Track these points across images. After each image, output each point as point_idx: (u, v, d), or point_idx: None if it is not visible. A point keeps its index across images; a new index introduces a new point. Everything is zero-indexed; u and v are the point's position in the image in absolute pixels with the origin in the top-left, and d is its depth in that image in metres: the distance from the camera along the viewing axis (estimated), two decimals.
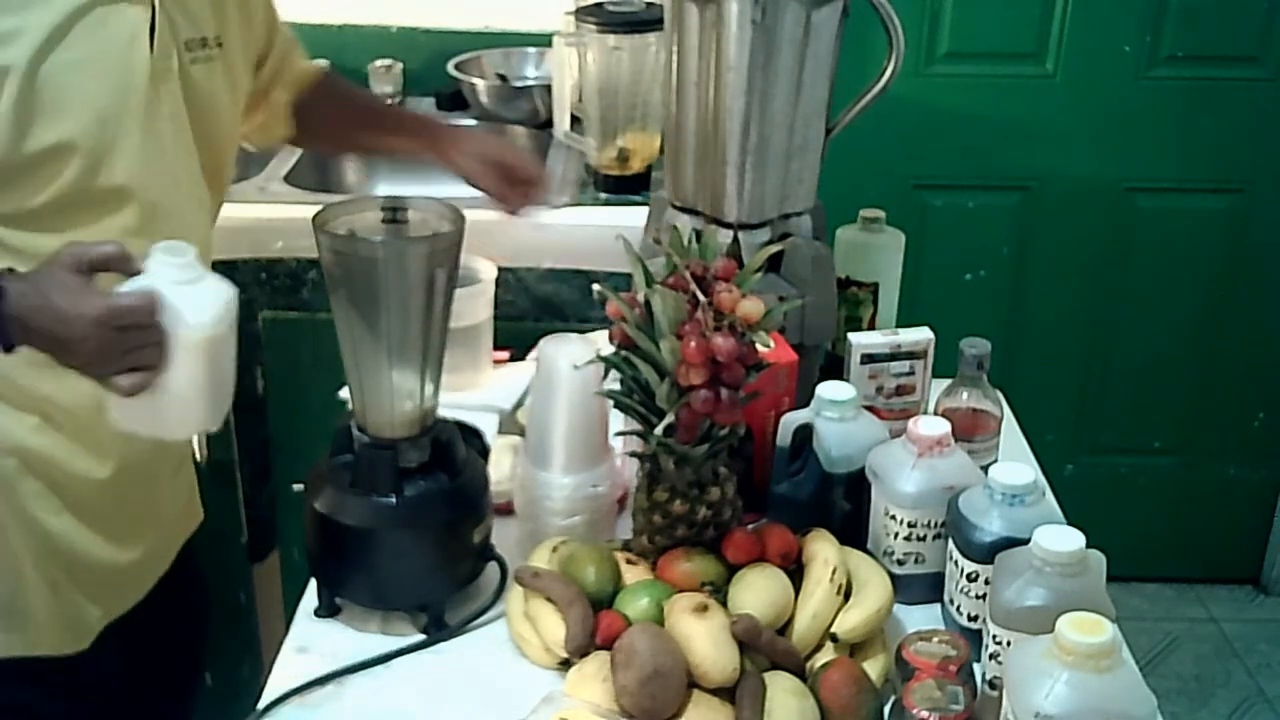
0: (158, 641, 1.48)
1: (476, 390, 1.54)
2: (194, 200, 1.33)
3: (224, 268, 1.91)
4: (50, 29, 1.15)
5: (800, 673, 1.12)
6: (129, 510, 1.36)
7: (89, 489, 1.31)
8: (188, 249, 1.10)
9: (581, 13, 2.00)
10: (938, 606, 1.25)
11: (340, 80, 1.71)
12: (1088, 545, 1.07)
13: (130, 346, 1.07)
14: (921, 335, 1.43)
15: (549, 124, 2.18)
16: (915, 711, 1.04)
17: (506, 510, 1.35)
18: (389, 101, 2.35)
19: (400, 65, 2.39)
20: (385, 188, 2.35)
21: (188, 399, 1.11)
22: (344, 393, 1.37)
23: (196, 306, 1.09)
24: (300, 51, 1.59)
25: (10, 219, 1.19)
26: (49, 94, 1.15)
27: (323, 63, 1.66)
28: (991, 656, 1.10)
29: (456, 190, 2.28)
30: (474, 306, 1.51)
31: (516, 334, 1.71)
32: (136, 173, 1.22)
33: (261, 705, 1.14)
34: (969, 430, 1.38)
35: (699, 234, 1.18)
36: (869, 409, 1.37)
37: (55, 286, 1.07)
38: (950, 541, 1.20)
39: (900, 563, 1.25)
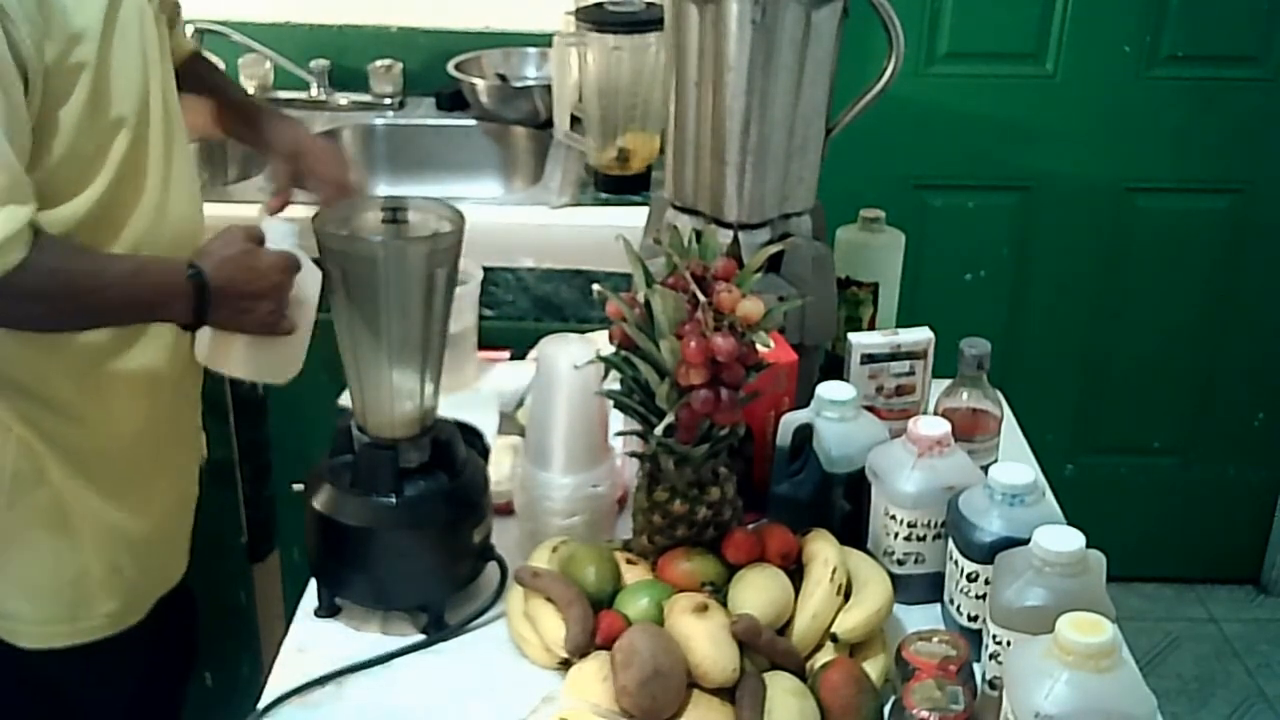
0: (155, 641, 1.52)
1: (465, 390, 1.54)
2: (190, 165, 1.44)
3: None
4: (103, 24, 1.25)
5: (800, 673, 1.12)
6: (154, 473, 1.46)
7: (120, 466, 1.40)
8: (293, 222, 1.36)
9: (581, 13, 2.00)
10: (938, 606, 1.25)
11: (208, 63, 1.74)
12: (1088, 545, 1.07)
13: (286, 298, 1.33)
14: (921, 335, 1.43)
15: (549, 124, 2.18)
16: (915, 711, 1.04)
17: (506, 510, 1.35)
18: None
19: (400, 65, 2.39)
20: (385, 188, 2.35)
21: (302, 343, 1.37)
22: (344, 399, 1.37)
23: (310, 271, 1.33)
24: (180, 22, 1.64)
25: (73, 220, 1.26)
26: (111, 82, 1.26)
27: (192, 43, 1.71)
28: (991, 656, 1.10)
29: (456, 190, 2.29)
30: (459, 308, 1.50)
31: (516, 334, 1.72)
32: (160, 140, 1.34)
33: (261, 705, 1.14)
34: (969, 430, 1.38)
35: (699, 234, 1.18)
36: (869, 409, 1.37)
37: (244, 253, 1.30)
38: (950, 541, 1.20)
39: (900, 563, 1.25)
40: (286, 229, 1.34)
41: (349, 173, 1.68)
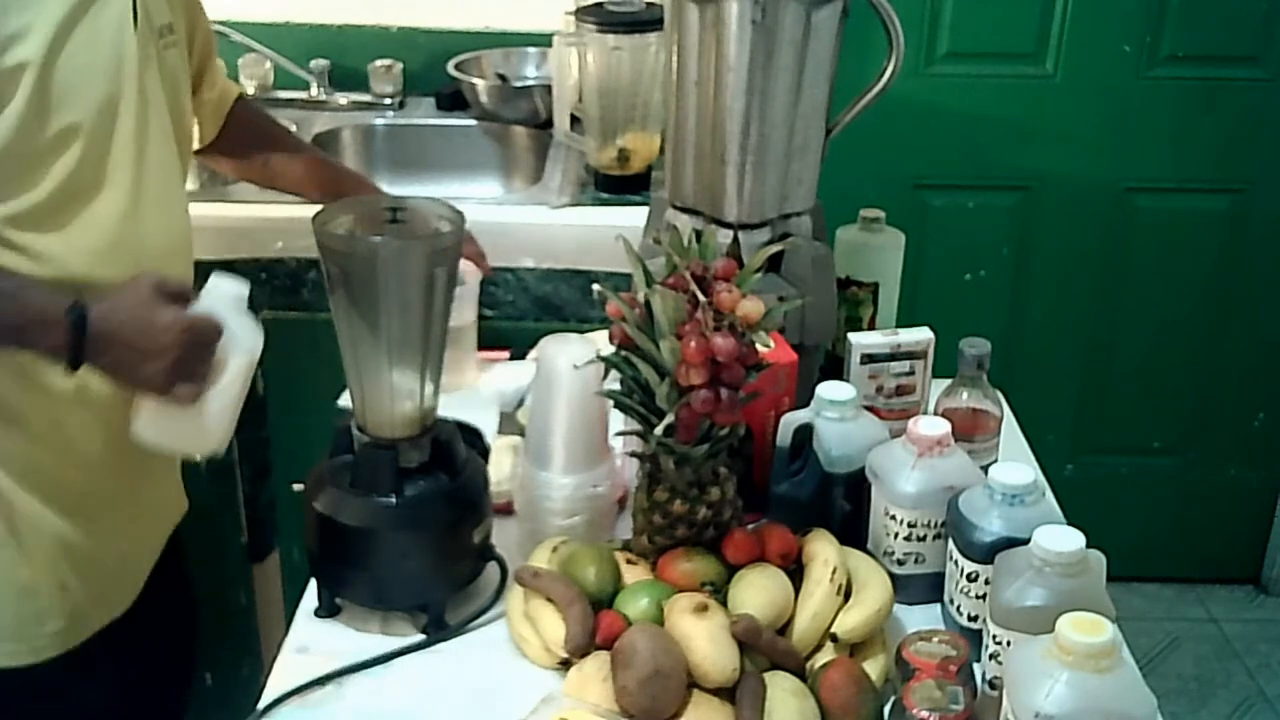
0: (148, 645, 1.48)
1: (464, 390, 1.54)
2: (174, 183, 1.38)
3: (224, 268, 1.93)
4: (58, 25, 1.19)
5: (800, 673, 1.12)
6: (117, 501, 1.38)
7: (78, 486, 1.33)
8: (243, 285, 1.24)
9: (581, 13, 2.00)
10: (938, 606, 1.25)
11: (264, 118, 1.74)
12: (1088, 545, 1.07)
13: (195, 360, 1.21)
14: (921, 335, 1.43)
15: (549, 124, 2.18)
16: (915, 711, 1.04)
17: (506, 510, 1.35)
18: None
19: (400, 65, 2.39)
20: (385, 188, 2.35)
21: (221, 416, 1.24)
22: (344, 400, 1.37)
23: (245, 336, 1.24)
24: (220, 63, 1.63)
25: (16, 218, 1.21)
26: (60, 86, 1.20)
27: (237, 89, 1.67)
28: (991, 656, 1.10)
29: (456, 190, 2.29)
30: (459, 308, 1.50)
31: (516, 334, 1.72)
32: (129, 155, 1.28)
33: (261, 705, 1.14)
34: (969, 430, 1.38)
35: (699, 234, 1.18)
36: (869, 409, 1.37)
37: (142, 303, 1.19)
38: (950, 541, 1.20)
39: (900, 563, 1.25)
40: (229, 291, 1.24)
41: (477, 250, 1.67)
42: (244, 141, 1.66)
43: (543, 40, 2.28)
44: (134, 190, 1.29)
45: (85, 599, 1.36)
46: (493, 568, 1.27)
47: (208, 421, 1.24)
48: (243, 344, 1.23)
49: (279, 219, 1.92)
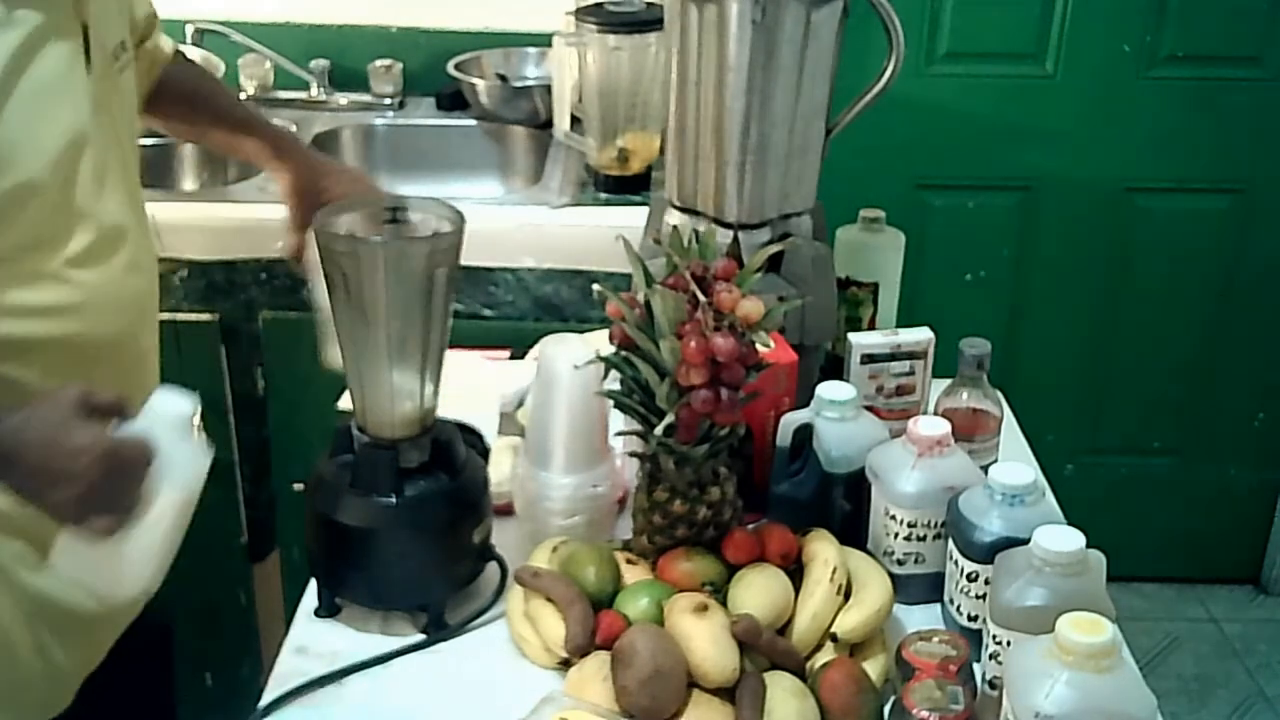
0: (121, 692, 1.39)
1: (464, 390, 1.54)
2: (138, 210, 1.29)
3: (224, 268, 1.94)
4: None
5: (800, 673, 1.12)
6: None
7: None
8: (189, 405, 1.07)
9: (581, 13, 2.00)
10: (938, 606, 1.25)
11: (194, 69, 1.58)
12: (1088, 545, 1.07)
13: (117, 489, 1.04)
14: (921, 335, 1.43)
15: (549, 124, 2.18)
16: (915, 711, 1.04)
17: (506, 510, 1.35)
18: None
19: (400, 65, 2.39)
20: (385, 187, 2.35)
21: (146, 554, 1.07)
22: (344, 403, 1.37)
23: (183, 464, 1.06)
24: (160, 27, 1.49)
25: None
26: (6, 145, 1.09)
27: (171, 45, 1.52)
28: (991, 656, 1.10)
29: (456, 190, 2.29)
30: None
31: (516, 334, 1.72)
32: (92, 198, 1.19)
33: (261, 705, 1.14)
34: (969, 430, 1.38)
35: (699, 234, 1.18)
36: (869, 409, 1.37)
37: (59, 421, 1.03)
38: (950, 541, 1.20)
39: (900, 563, 1.25)
40: (172, 412, 1.06)
41: (375, 190, 1.52)
42: (174, 108, 1.51)
43: (543, 40, 2.28)
44: (104, 233, 1.20)
45: (64, 658, 1.26)
46: (493, 568, 1.27)
47: (128, 561, 1.06)
48: (178, 475, 1.06)
49: (279, 219, 1.92)
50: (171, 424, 1.06)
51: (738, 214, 1.45)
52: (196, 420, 1.07)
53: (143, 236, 1.29)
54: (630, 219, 1.80)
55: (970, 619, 1.18)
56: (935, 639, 1.12)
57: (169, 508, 1.06)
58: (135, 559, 1.07)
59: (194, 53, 2.29)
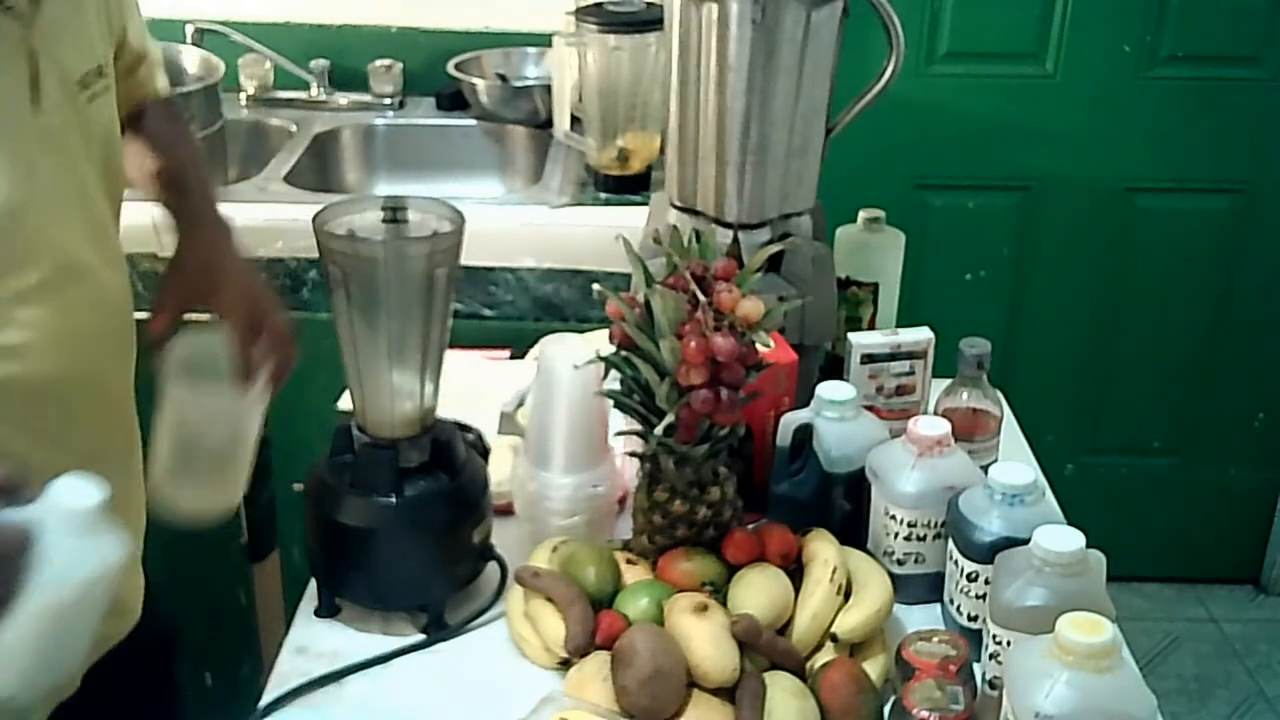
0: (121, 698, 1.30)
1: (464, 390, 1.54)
2: (104, 245, 1.18)
3: None
4: None
5: (800, 673, 1.12)
6: None
7: None
8: (96, 493, 0.93)
9: (581, 13, 2.00)
10: (938, 606, 1.25)
11: (169, 114, 1.41)
12: (1088, 545, 1.07)
13: None
14: (921, 335, 1.43)
15: (549, 124, 2.18)
16: (915, 711, 1.04)
17: (506, 510, 1.35)
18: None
19: (400, 65, 2.39)
20: (385, 188, 2.35)
21: (10, 656, 0.92)
22: (344, 403, 1.37)
23: (66, 562, 0.91)
24: (156, 65, 1.39)
25: None
26: None
27: (165, 89, 1.41)
28: (991, 656, 1.10)
29: (456, 190, 2.29)
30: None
31: (516, 334, 1.72)
32: (38, 234, 1.07)
33: (261, 705, 1.14)
34: (969, 430, 1.38)
35: (699, 234, 1.18)
36: (869, 409, 1.37)
37: None
38: (950, 541, 1.20)
39: (900, 563, 1.25)
40: (68, 506, 0.91)
41: (277, 316, 1.26)
42: (134, 149, 1.34)
43: (543, 40, 2.28)
44: (59, 269, 1.09)
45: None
46: (493, 568, 1.27)
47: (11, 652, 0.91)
48: (58, 574, 0.90)
49: (279, 219, 1.93)
50: (66, 516, 0.91)
51: (738, 214, 1.45)
52: (100, 514, 0.92)
53: (111, 273, 1.18)
54: (630, 219, 1.80)
55: (970, 619, 1.18)
56: (935, 639, 1.12)
57: (40, 609, 0.91)
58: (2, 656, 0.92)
59: (194, 53, 2.30)
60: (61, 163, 1.10)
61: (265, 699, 1.15)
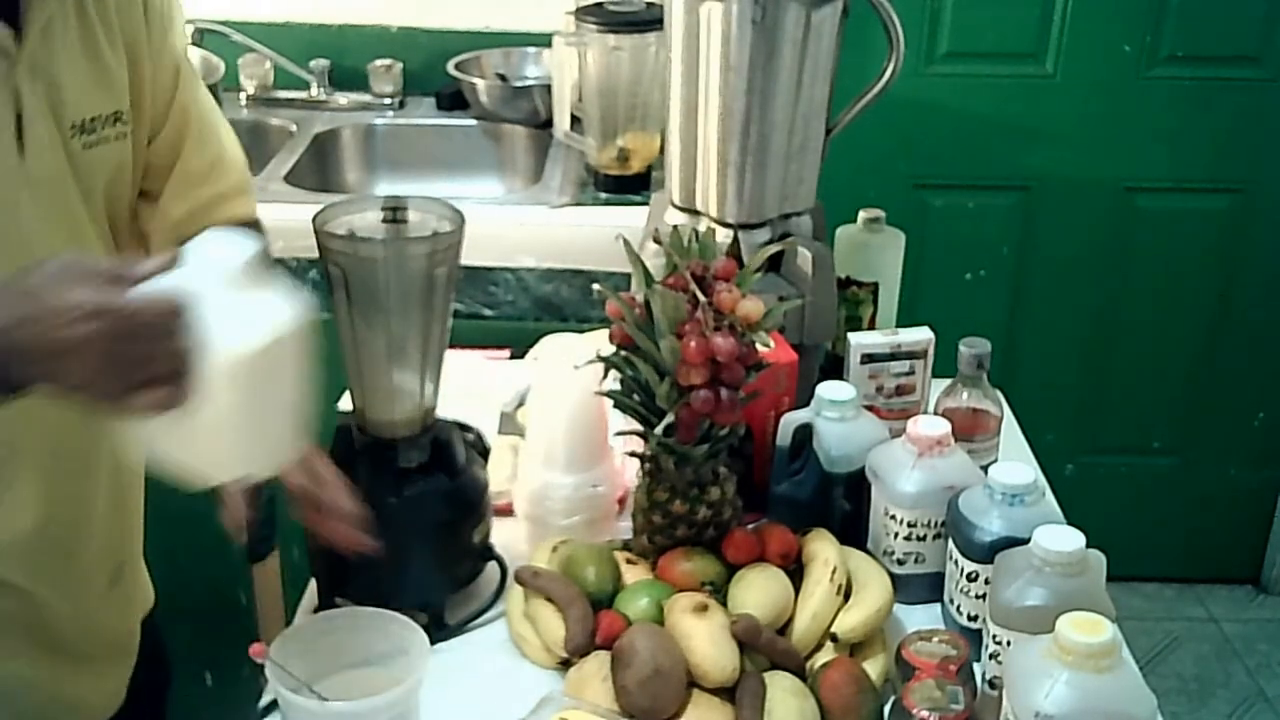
0: None
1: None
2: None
3: None
4: None
5: (800, 673, 1.12)
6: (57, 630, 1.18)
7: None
8: (247, 244, 0.88)
9: (581, 13, 2.00)
10: (938, 606, 1.25)
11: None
12: (1088, 545, 1.07)
13: (142, 357, 0.84)
14: (921, 335, 1.43)
15: (549, 124, 2.18)
16: (915, 711, 1.04)
17: (506, 510, 1.35)
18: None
19: (400, 65, 2.39)
20: (385, 188, 2.35)
21: (219, 433, 0.88)
22: (343, 403, 1.37)
23: (238, 320, 0.86)
24: (245, 189, 1.30)
25: None
26: None
27: (253, 214, 1.33)
28: (991, 656, 1.10)
29: (456, 190, 2.29)
30: None
31: (516, 334, 1.71)
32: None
33: (261, 705, 1.14)
34: (969, 430, 1.38)
35: (699, 234, 1.18)
36: (869, 409, 1.37)
37: (49, 279, 0.84)
38: (950, 541, 1.20)
39: (900, 563, 1.25)
40: (216, 263, 0.86)
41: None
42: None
43: (543, 40, 2.28)
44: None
45: None
46: (493, 568, 1.27)
47: (205, 440, 0.88)
48: (227, 334, 0.85)
49: (279, 219, 1.92)
50: (216, 275, 0.86)
51: (738, 214, 1.45)
52: (256, 269, 0.87)
53: None
54: (630, 219, 1.80)
55: (970, 619, 1.18)
56: (935, 639, 1.12)
57: (223, 375, 0.85)
58: (208, 437, 0.88)
59: (194, 53, 2.29)
60: (52, 211, 1.03)
61: (265, 699, 1.15)
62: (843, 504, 1.30)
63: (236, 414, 0.89)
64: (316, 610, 1.26)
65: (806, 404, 1.33)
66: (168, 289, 0.85)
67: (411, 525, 1.19)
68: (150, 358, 0.85)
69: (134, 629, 1.32)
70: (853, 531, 1.28)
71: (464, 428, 1.30)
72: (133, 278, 0.85)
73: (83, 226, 1.08)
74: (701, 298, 1.12)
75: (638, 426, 1.21)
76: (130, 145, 1.12)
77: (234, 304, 0.86)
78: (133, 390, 0.85)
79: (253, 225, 1.30)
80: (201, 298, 0.85)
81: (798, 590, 1.18)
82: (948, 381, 1.41)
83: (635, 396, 1.18)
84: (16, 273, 0.86)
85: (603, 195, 2.04)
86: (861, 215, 1.61)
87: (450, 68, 2.34)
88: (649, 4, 1.99)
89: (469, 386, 1.58)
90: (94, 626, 1.24)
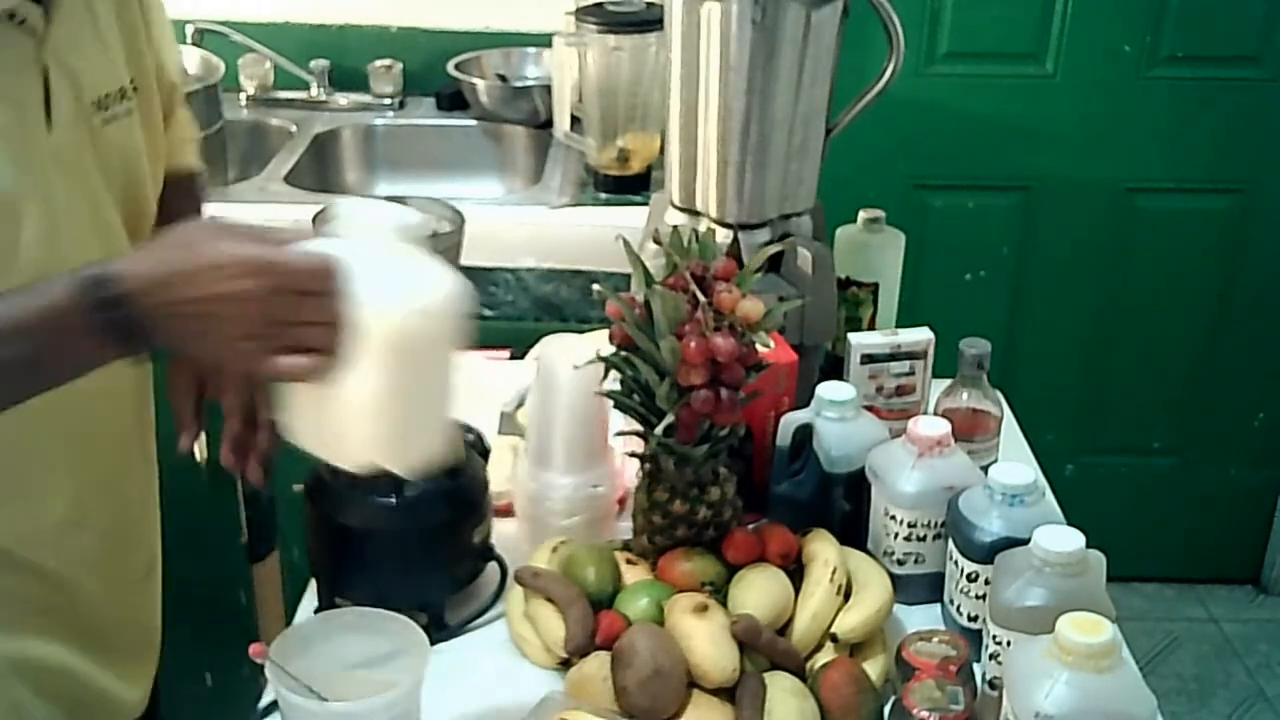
0: None
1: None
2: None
3: None
4: None
5: (800, 673, 1.12)
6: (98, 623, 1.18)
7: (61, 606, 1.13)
8: (398, 216, 0.86)
9: (581, 13, 2.01)
10: (938, 606, 1.25)
11: (195, 199, 1.33)
12: (1088, 545, 1.07)
13: (294, 319, 0.82)
14: (921, 335, 1.43)
15: (549, 124, 2.18)
16: (915, 711, 1.04)
17: (506, 510, 1.35)
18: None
19: (400, 65, 2.39)
20: (385, 188, 2.35)
21: (363, 410, 0.83)
22: None
23: (395, 288, 0.81)
24: (190, 138, 1.33)
25: None
26: None
27: (198, 165, 1.34)
28: (991, 656, 1.10)
29: (456, 190, 2.29)
30: None
31: (516, 334, 1.71)
32: (40, 261, 0.98)
33: (261, 705, 1.14)
34: (969, 430, 1.38)
35: (699, 234, 1.18)
36: (869, 409, 1.37)
37: (202, 234, 0.82)
38: (950, 541, 1.20)
39: (900, 563, 1.25)
40: (372, 229, 0.83)
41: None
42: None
43: (543, 40, 2.28)
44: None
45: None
46: (493, 568, 1.27)
47: (348, 417, 0.83)
48: (382, 300, 0.80)
49: (279, 219, 1.93)
50: (376, 242, 0.82)
51: (738, 214, 1.45)
52: (415, 236, 0.84)
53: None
54: (630, 219, 1.80)
55: (970, 619, 1.18)
56: (935, 639, 1.12)
57: (376, 344, 0.81)
58: (351, 413, 0.83)
59: (193, 53, 2.29)
60: (76, 186, 1.04)
61: (265, 699, 1.15)
62: (843, 504, 1.30)
63: (383, 389, 0.83)
64: (316, 610, 1.26)
65: (806, 404, 1.33)
66: (318, 254, 0.81)
67: (412, 525, 1.19)
68: (305, 319, 0.82)
69: (158, 625, 1.32)
70: (853, 532, 1.28)
71: (464, 428, 1.30)
72: (284, 239, 0.83)
73: (106, 209, 1.07)
74: (701, 298, 1.12)
75: (638, 427, 1.21)
76: (139, 116, 1.11)
77: (393, 271, 0.82)
78: (281, 352, 0.82)
79: (197, 176, 1.30)
80: (360, 262, 0.81)
81: (798, 590, 1.18)
82: (948, 382, 1.41)
83: (635, 397, 1.18)
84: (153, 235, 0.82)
85: (603, 195, 2.04)
86: (861, 215, 1.61)
87: (450, 68, 2.34)
88: (649, 4, 1.99)
89: (469, 387, 1.58)
90: (127, 618, 1.24)
